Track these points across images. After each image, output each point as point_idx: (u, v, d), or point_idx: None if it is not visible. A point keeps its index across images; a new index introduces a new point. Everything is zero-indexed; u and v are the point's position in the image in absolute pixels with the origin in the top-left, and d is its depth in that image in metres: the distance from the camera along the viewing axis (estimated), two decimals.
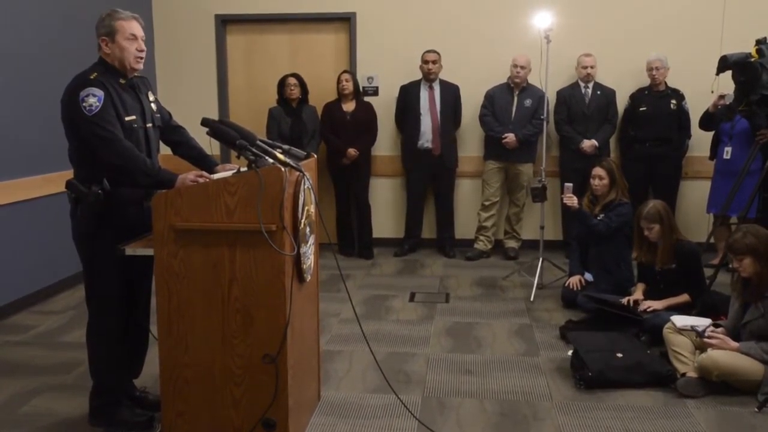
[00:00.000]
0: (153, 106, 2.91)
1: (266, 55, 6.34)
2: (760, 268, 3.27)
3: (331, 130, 5.87)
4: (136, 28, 2.79)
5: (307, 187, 2.75)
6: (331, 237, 6.17)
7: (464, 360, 3.76)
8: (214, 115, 6.00)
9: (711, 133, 5.53)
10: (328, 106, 5.92)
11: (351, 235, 6.14)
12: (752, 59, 4.17)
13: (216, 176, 2.74)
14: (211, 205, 2.51)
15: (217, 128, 2.66)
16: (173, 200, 2.52)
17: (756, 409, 3.10)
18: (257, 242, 2.48)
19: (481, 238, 6.06)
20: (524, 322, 4.36)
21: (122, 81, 2.78)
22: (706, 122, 5.45)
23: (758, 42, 4.22)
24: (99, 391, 2.93)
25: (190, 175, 2.69)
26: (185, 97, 6.18)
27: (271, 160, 2.58)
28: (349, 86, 5.81)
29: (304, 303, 2.86)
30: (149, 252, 2.58)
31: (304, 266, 2.75)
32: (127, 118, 2.72)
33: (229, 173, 2.69)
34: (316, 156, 3.19)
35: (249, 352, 2.56)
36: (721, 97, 5.10)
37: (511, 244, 6.09)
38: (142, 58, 2.80)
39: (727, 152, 5.29)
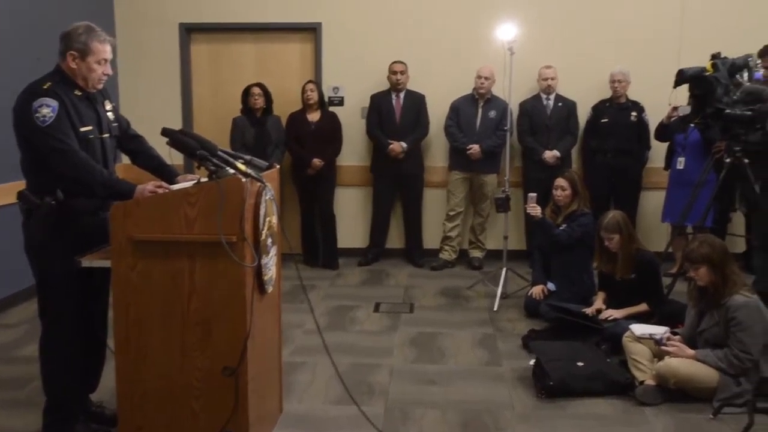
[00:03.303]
0: (110, 115, 2.87)
1: (231, 65, 6.30)
2: (715, 277, 3.34)
3: (295, 140, 5.85)
4: (108, 52, 2.76)
5: (269, 198, 2.73)
6: (296, 247, 6.14)
7: (427, 370, 3.76)
8: (177, 125, 5.97)
9: (666, 144, 5.66)
10: (293, 116, 5.91)
11: (316, 245, 6.12)
12: (707, 73, 4.28)
13: (176, 187, 2.71)
14: (171, 216, 2.48)
15: (177, 138, 2.63)
16: (131, 211, 2.49)
17: (711, 416, 3.16)
18: (217, 254, 2.45)
19: (446, 248, 6.09)
20: (487, 332, 4.38)
21: (78, 93, 2.73)
22: (661, 133, 5.60)
23: (713, 57, 4.32)
24: (53, 407, 2.86)
25: (148, 186, 2.65)
26: (148, 106, 6.10)
27: (232, 171, 2.56)
28: (313, 96, 5.81)
29: (265, 314, 2.83)
30: (106, 264, 2.53)
31: (266, 277, 2.73)
32: (82, 129, 2.68)
33: (189, 184, 2.66)
34: (279, 166, 3.18)
35: (209, 364, 2.53)
36: (675, 108, 5.23)
37: (476, 254, 6.13)
38: (104, 80, 2.77)
39: (681, 162, 5.42)
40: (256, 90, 5.75)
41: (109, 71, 2.76)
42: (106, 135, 2.82)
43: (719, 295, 3.34)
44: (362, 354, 4.01)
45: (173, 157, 2.78)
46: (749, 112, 3.91)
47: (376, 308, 4.90)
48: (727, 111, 3.97)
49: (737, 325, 3.23)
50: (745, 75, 4.24)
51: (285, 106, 6.00)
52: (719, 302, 3.34)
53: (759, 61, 4.36)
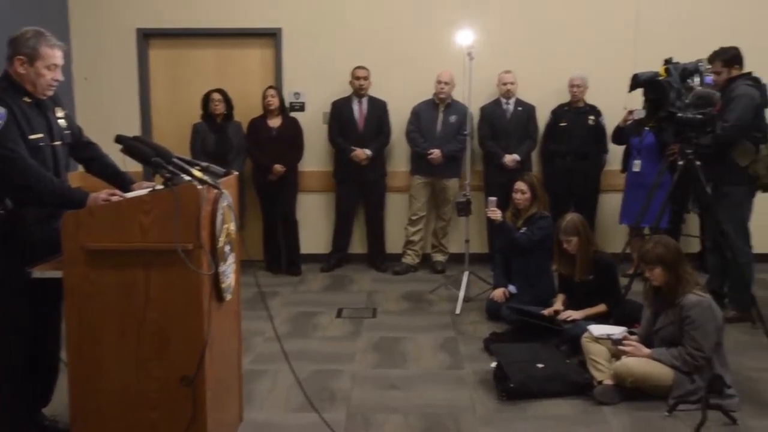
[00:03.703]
0: (62, 122, 2.82)
1: (190, 70, 6.23)
2: (669, 277, 3.42)
3: (256, 146, 5.81)
4: (59, 57, 2.71)
5: (226, 205, 2.71)
6: (258, 254, 6.10)
7: (390, 375, 3.77)
8: (136, 132, 5.88)
9: (623, 147, 5.78)
10: (254, 122, 5.87)
11: (278, 251, 6.08)
12: (661, 78, 4.36)
13: (130, 195, 2.67)
14: (125, 225, 2.44)
15: (131, 146, 2.59)
16: (84, 220, 2.44)
17: (666, 413, 3.22)
18: (173, 262, 2.42)
19: (409, 252, 6.11)
20: (450, 336, 4.41)
21: (27, 99, 2.67)
22: (618, 137, 5.72)
23: (666, 62, 4.40)
24: (3, 423, 2.78)
25: (102, 194, 2.61)
26: (105, 113, 6.00)
27: (187, 178, 2.54)
28: (274, 102, 5.78)
29: (224, 322, 2.80)
30: (58, 274, 2.48)
31: (224, 285, 2.71)
32: (32, 137, 2.62)
33: (144, 191, 2.62)
34: (238, 173, 3.16)
35: (165, 374, 2.49)
36: (630, 112, 5.33)
37: (439, 257, 6.16)
38: (54, 86, 2.72)
39: (637, 165, 5.53)
40: (217, 96, 5.71)
41: (60, 77, 2.71)
42: (58, 142, 2.77)
43: (673, 294, 3.41)
44: (324, 360, 3.99)
45: (132, 165, 2.74)
46: (700, 116, 4.00)
47: (339, 314, 4.89)
48: (679, 115, 4.05)
49: (690, 324, 3.31)
50: (697, 79, 4.33)
51: (246, 112, 5.95)
52: (673, 301, 3.41)
53: (709, 66, 4.47)
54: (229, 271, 2.79)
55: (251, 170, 5.95)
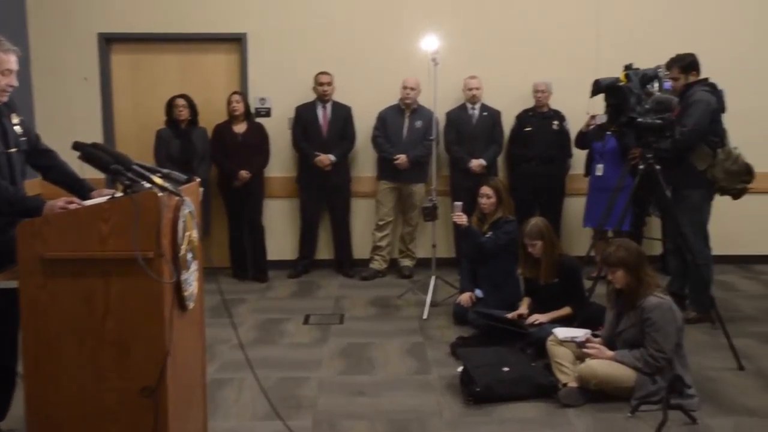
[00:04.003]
0: (18, 129, 2.76)
1: (154, 76, 6.16)
2: (630, 280, 3.47)
3: (221, 152, 5.76)
4: (13, 62, 2.65)
5: (188, 212, 2.67)
6: (224, 261, 6.05)
7: (356, 381, 3.76)
8: (98, 138, 5.81)
9: (586, 152, 5.86)
10: (219, 128, 5.82)
11: (244, 258, 6.03)
12: (621, 83, 4.43)
13: (88, 202, 2.62)
14: (83, 233, 2.39)
15: (89, 152, 2.55)
16: (40, 229, 2.38)
17: (629, 414, 3.27)
18: (133, 271, 2.37)
19: (376, 257, 6.11)
20: (417, 341, 4.41)
21: None
22: (581, 141, 5.80)
23: (626, 68, 4.46)
24: None
25: (59, 202, 2.56)
26: (66, 119, 5.91)
27: (148, 185, 2.50)
28: (239, 107, 5.74)
29: (186, 331, 2.76)
30: (13, 284, 2.42)
31: (186, 293, 2.67)
32: None
33: (103, 199, 2.58)
34: (204, 179, 3.12)
35: (126, 386, 2.44)
36: (593, 117, 5.41)
37: (406, 262, 6.17)
38: (9, 92, 2.66)
39: (599, 169, 5.62)
40: (181, 101, 5.65)
41: (14, 83, 2.65)
42: (13, 150, 2.71)
43: (635, 297, 3.46)
44: (291, 367, 3.97)
45: (93, 172, 2.69)
46: (659, 121, 4.07)
47: (306, 320, 4.87)
48: (639, 120, 4.12)
49: (652, 326, 3.36)
50: (656, 85, 4.41)
51: (211, 117, 5.91)
52: (635, 304, 3.46)
53: (668, 72, 4.56)
54: (191, 279, 2.75)
55: (217, 176, 5.90)
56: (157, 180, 2.53)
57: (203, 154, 5.71)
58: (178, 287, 2.57)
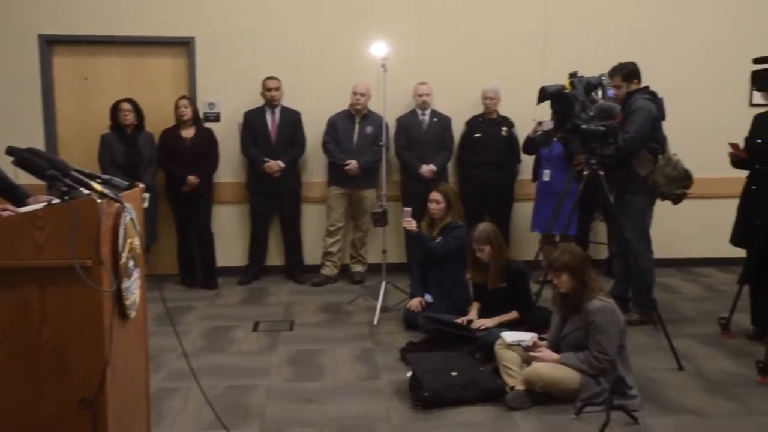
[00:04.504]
0: None
1: (98, 79, 6.01)
2: (575, 284, 3.53)
3: (169, 158, 5.67)
4: None
5: (130, 219, 2.62)
6: (173, 267, 5.95)
7: (305, 388, 3.73)
8: (39, 143, 5.66)
9: (533, 157, 5.96)
10: (166, 133, 5.73)
11: (193, 264, 5.93)
12: (566, 91, 4.51)
13: (23, 209, 2.54)
14: (17, 241, 2.31)
15: (24, 158, 2.46)
16: None
17: (574, 416, 3.33)
18: (71, 280, 2.30)
19: (327, 263, 6.08)
20: (367, 346, 4.41)
21: None
22: (528, 147, 5.90)
23: (571, 75, 4.55)
24: None
25: None
26: (5, 123, 5.71)
27: (86, 192, 2.43)
28: (187, 112, 5.66)
29: (128, 341, 2.70)
30: None
31: (127, 302, 2.60)
32: None
33: (40, 206, 2.50)
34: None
35: (63, 398, 2.36)
36: (539, 123, 5.51)
37: (357, 268, 6.17)
38: None
39: (546, 174, 5.72)
40: (126, 106, 5.53)
41: None
42: None
43: (579, 300, 3.52)
44: (239, 375, 3.91)
45: (31, 178, 2.60)
46: (602, 128, 4.16)
47: (255, 327, 4.81)
48: (584, 126, 4.20)
49: (595, 328, 3.43)
50: (600, 93, 4.51)
51: (158, 122, 5.80)
52: (579, 307, 3.52)
53: (610, 80, 4.67)
54: (133, 287, 2.69)
55: (164, 182, 5.80)
56: (97, 186, 2.46)
57: (150, 159, 5.61)
58: (118, 296, 2.51)
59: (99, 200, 2.36)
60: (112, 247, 2.45)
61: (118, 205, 2.49)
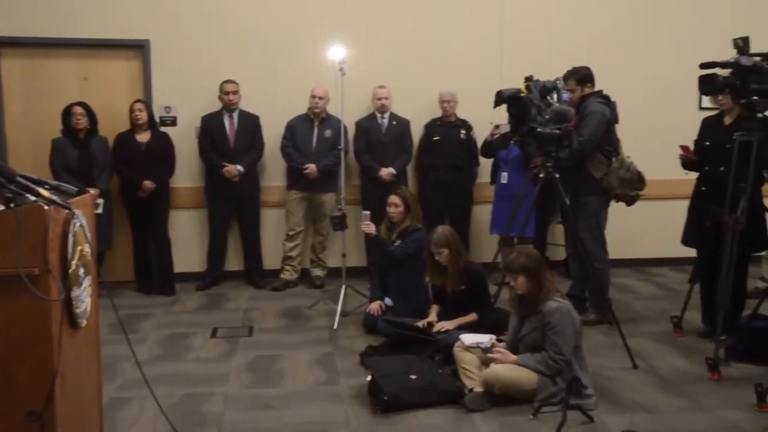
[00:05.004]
0: None
1: (50, 82, 5.87)
2: (531, 285, 3.57)
3: (124, 162, 5.56)
4: None
5: (80, 226, 2.56)
6: (129, 274, 5.85)
7: (264, 395, 3.69)
8: None
9: (491, 160, 6.01)
10: (121, 137, 5.62)
11: (150, 271, 5.83)
12: (522, 95, 4.57)
13: None
14: None
15: None
16: None
17: (531, 416, 3.36)
18: (17, 288, 2.24)
19: (287, 267, 6.04)
20: (327, 351, 4.39)
21: None
22: (486, 150, 5.96)
23: (527, 79, 4.61)
24: None
25: None
26: None
27: (33, 198, 2.37)
28: (142, 116, 5.56)
29: (79, 350, 2.63)
30: None
31: (78, 311, 2.55)
32: None
33: None
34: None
35: (9, 410, 2.29)
36: (496, 127, 5.57)
37: (318, 272, 6.14)
38: None
39: (504, 177, 5.77)
40: (78, 109, 5.42)
41: None
42: None
43: (536, 301, 3.56)
44: (196, 383, 3.86)
45: None
46: (557, 131, 4.21)
47: (214, 334, 4.75)
48: (539, 130, 4.26)
49: (551, 329, 3.47)
50: (555, 96, 4.58)
51: (112, 126, 5.70)
52: (536, 308, 3.56)
53: (565, 84, 4.74)
54: (84, 295, 2.63)
55: (119, 187, 5.69)
56: (44, 192, 2.40)
57: (104, 164, 5.50)
58: (68, 304, 2.45)
59: (46, 207, 2.31)
60: (61, 254, 2.40)
61: (66, 211, 2.43)
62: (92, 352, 2.85)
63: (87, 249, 2.65)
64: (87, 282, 2.66)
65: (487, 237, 6.26)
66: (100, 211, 5.24)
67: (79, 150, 5.42)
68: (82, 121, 5.41)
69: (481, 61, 6.30)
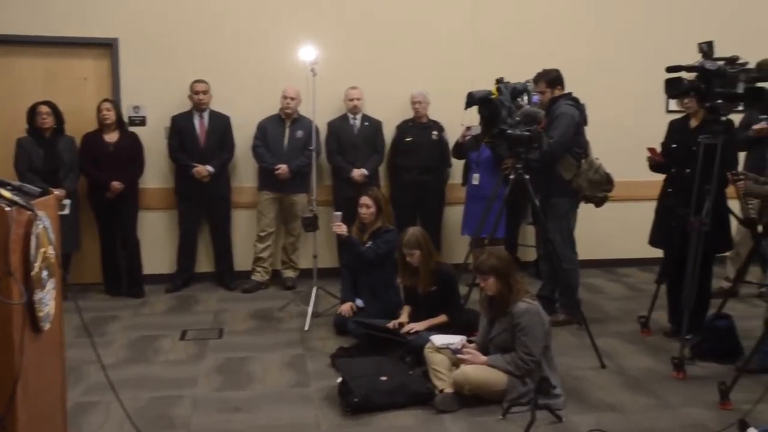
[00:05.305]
0: None
1: (15, 81, 5.75)
2: (501, 287, 3.59)
3: (91, 163, 5.48)
4: None
5: (43, 227, 2.51)
6: (97, 276, 5.76)
7: (233, 398, 3.66)
8: None
9: (463, 161, 6.04)
10: (88, 137, 5.54)
11: (118, 272, 5.75)
12: (493, 97, 4.59)
13: None
14: None
15: None
16: None
17: (501, 416, 3.38)
18: None
19: (258, 269, 6.00)
20: (297, 353, 4.37)
21: None
22: (457, 151, 5.98)
23: (497, 81, 4.64)
24: None
25: None
26: None
27: None
28: (110, 116, 5.49)
29: (43, 354, 2.59)
30: None
31: (41, 314, 2.50)
32: None
33: None
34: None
35: None
36: (468, 128, 5.60)
37: (289, 273, 6.11)
38: None
39: (476, 178, 5.80)
40: (44, 108, 5.32)
41: None
42: None
43: (505, 303, 3.58)
44: (164, 386, 3.82)
45: None
46: (527, 133, 4.25)
47: (183, 336, 4.70)
48: (509, 131, 4.29)
49: (521, 330, 3.49)
50: (525, 98, 4.61)
51: (80, 126, 5.61)
52: (506, 309, 3.58)
53: (535, 86, 4.78)
54: (47, 298, 2.59)
55: (86, 188, 5.61)
56: (6, 193, 2.35)
57: (70, 164, 5.41)
58: (31, 308, 2.41)
59: (8, 208, 2.27)
60: (23, 256, 2.36)
61: (29, 213, 2.39)
62: (56, 356, 2.81)
63: (51, 251, 2.61)
64: (51, 285, 2.61)
65: (458, 238, 6.28)
66: (66, 212, 5.13)
67: (44, 150, 5.33)
68: (48, 121, 5.32)
69: (453, 63, 6.32)
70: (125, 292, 5.71)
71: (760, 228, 4.11)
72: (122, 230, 5.70)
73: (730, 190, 4.25)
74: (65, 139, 5.45)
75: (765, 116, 4.58)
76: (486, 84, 4.73)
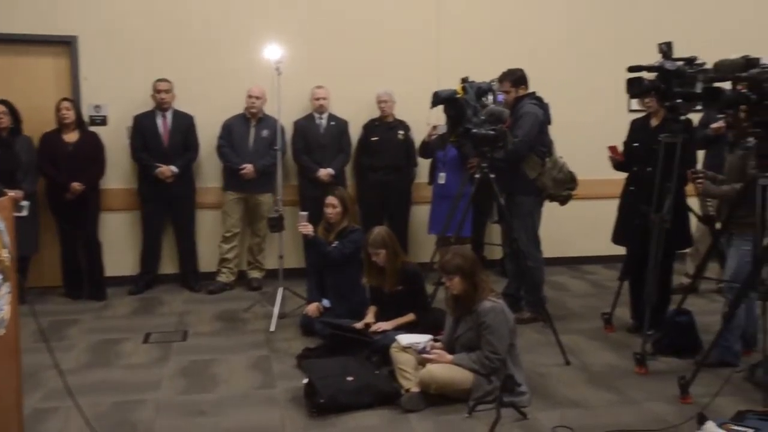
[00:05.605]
0: None
1: None
2: (467, 286, 3.60)
3: (51, 163, 5.37)
4: None
5: None
6: (57, 279, 5.64)
7: (197, 400, 3.61)
8: None
9: (429, 160, 6.05)
10: (47, 137, 5.42)
11: (79, 275, 5.63)
12: (458, 96, 4.61)
13: None
14: None
15: None
16: None
17: (467, 415, 3.39)
18: None
19: (224, 270, 5.94)
20: (263, 354, 4.33)
21: None
22: (424, 150, 5.99)
23: (463, 80, 4.65)
24: None
25: None
26: None
27: None
28: (69, 115, 5.38)
29: None
30: None
31: None
32: None
33: None
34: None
35: None
36: (434, 127, 5.61)
37: (255, 274, 6.06)
38: None
39: (442, 177, 5.82)
40: (0, 108, 5.18)
41: None
42: None
43: (471, 302, 3.59)
44: (126, 390, 3.74)
45: None
46: (492, 132, 4.27)
47: (146, 339, 4.63)
48: (474, 131, 4.30)
49: (486, 328, 3.51)
50: (490, 98, 4.64)
51: (38, 126, 5.49)
52: (471, 308, 3.59)
53: (500, 86, 4.81)
54: (2, 302, 2.53)
55: (45, 189, 5.48)
56: None
57: (28, 164, 5.28)
58: None
59: None
60: None
61: None
62: (11, 362, 2.73)
63: (5, 254, 2.55)
64: (5, 289, 2.55)
65: (425, 237, 6.30)
66: (25, 213, 5.00)
67: (1, 150, 5.19)
68: (5, 120, 5.19)
69: (418, 62, 6.34)
70: (86, 295, 5.60)
71: (718, 225, 4.18)
72: (83, 232, 5.59)
73: (690, 187, 4.32)
74: (22, 139, 5.33)
75: (722, 115, 4.67)
76: (451, 83, 4.75)
